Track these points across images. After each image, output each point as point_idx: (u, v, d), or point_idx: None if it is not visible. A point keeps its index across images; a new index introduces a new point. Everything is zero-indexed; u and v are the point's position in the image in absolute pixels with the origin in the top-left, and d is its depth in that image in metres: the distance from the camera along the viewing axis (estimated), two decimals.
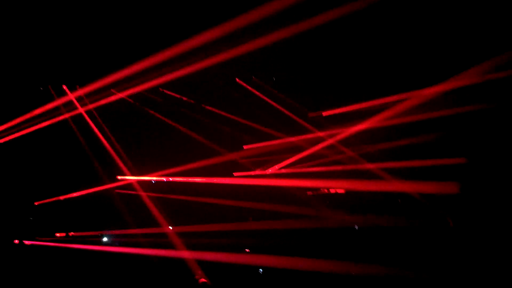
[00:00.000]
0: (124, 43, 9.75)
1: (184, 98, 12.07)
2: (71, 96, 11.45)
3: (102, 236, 10.80)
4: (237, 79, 11.85)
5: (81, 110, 11.56)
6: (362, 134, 10.87)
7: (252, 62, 11.00)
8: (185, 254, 9.41)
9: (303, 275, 8.72)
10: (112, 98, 11.25)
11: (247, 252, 9.80)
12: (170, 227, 10.73)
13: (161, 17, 9.06)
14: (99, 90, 11.03)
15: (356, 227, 10.01)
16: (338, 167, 11.24)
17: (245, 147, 11.95)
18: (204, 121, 12.05)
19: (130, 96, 11.49)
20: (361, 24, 9.29)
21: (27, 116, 11.19)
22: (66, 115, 11.55)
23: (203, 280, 8.23)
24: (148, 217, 10.89)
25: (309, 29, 9.10)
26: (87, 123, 11.70)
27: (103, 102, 11.33)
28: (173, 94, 11.97)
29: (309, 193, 11.53)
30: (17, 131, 11.17)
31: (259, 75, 11.91)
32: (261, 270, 9.30)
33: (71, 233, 10.80)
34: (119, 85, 10.83)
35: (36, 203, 11.29)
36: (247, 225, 10.79)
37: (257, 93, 11.97)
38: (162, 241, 10.25)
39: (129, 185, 11.54)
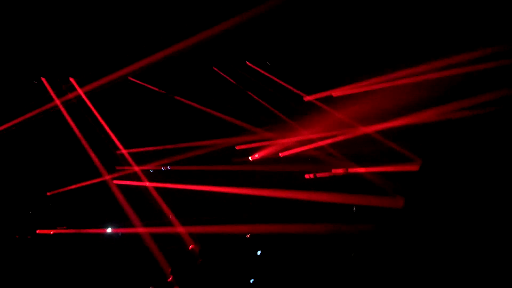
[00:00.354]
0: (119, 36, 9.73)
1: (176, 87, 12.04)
2: (62, 87, 11.44)
3: (105, 227, 10.84)
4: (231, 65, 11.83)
5: (73, 100, 11.54)
6: (358, 115, 10.88)
7: (246, 46, 10.97)
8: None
9: (300, 259, 8.80)
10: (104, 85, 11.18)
11: (248, 238, 9.88)
12: (170, 216, 10.81)
13: None
14: (87, 80, 11.03)
15: (354, 209, 10.06)
16: (334, 151, 11.30)
17: (241, 134, 11.98)
18: (200, 108, 12.04)
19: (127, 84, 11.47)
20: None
21: (22, 109, 11.18)
22: (60, 107, 11.54)
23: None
24: (148, 207, 10.94)
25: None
26: (80, 114, 11.69)
27: (93, 90, 11.29)
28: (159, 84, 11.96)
29: (307, 176, 11.59)
30: (11, 126, 11.16)
31: (252, 59, 11.87)
32: (259, 252, 9.39)
33: (70, 228, 10.82)
34: (112, 72, 10.78)
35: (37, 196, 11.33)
36: (248, 212, 10.86)
37: (251, 78, 11.95)
38: (164, 230, 10.32)
39: (127, 176, 11.57)
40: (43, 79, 11.36)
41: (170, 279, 8.34)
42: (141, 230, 10.45)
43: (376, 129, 10.78)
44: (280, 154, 11.80)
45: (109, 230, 10.80)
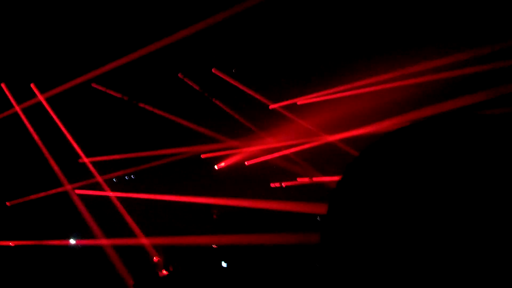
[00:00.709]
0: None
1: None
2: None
3: (68, 238, 10.57)
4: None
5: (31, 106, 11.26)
6: (322, 123, 10.93)
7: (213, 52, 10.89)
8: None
9: (266, 270, 8.78)
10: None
11: (214, 248, 9.81)
12: (133, 227, 10.64)
13: None
14: (48, 86, 10.79)
15: (319, 218, 10.08)
16: (300, 160, 11.36)
17: (207, 142, 11.88)
18: (165, 116, 11.89)
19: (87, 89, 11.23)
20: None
21: None
22: (19, 113, 11.25)
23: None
24: (111, 218, 10.75)
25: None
26: (41, 121, 11.39)
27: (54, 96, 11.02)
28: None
29: (273, 185, 11.60)
30: None
31: (218, 66, 11.79)
32: (224, 264, 9.33)
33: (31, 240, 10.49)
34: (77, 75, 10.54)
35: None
36: (212, 220, 10.80)
37: (217, 85, 11.89)
38: (127, 242, 10.16)
39: (90, 185, 11.33)
40: (2, 85, 11.05)
41: None
42: (103, 241, 10.24)
43: (340, 137, 10.87)
44: (246, 163, 11.77)
45: (71, 241, 10.55)
